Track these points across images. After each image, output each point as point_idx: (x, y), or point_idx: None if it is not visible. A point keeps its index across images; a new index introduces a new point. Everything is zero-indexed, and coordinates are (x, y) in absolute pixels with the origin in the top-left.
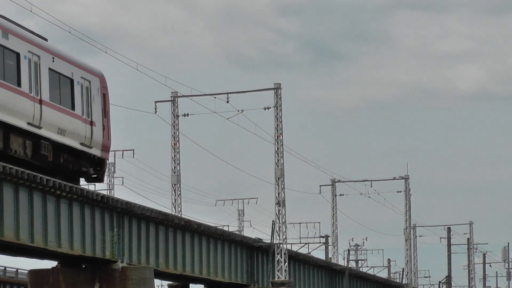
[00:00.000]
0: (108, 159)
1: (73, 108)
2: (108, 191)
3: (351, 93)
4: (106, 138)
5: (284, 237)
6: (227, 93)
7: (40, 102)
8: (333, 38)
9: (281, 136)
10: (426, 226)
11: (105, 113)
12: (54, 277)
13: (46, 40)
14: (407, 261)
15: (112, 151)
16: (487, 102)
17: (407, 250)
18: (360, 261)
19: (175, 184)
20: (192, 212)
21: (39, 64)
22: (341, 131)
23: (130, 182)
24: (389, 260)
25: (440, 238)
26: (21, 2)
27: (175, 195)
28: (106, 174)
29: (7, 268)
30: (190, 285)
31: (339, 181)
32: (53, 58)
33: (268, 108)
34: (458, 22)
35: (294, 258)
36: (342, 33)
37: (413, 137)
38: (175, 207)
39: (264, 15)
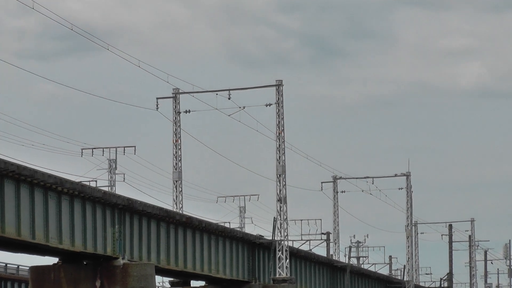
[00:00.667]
0: None
1: None
2: (110, 188)
3: (352, 90)
4: None
5: (285, 234)
6: (229, 90)
7: None
8: (334, 35)
9: (282, 133)
10: (427, 223)
11: None
12: (55, 273)
13: None
14: (409, 258)
15: (114, 147)
16: (488, 99)
17: (408, 247)
18: (361, 258)
19: (176, 181)
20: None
21: None
22: (342, 128)
23: (131, 178)
24: (390, 257)
25: (442, 235)
26: None
27: (176, 192)
28: (107, 170)
29: (8, 265)
30: (191, 282)
31: (340, 178)
32: None
33: (270, 104)
34: (460, 20)
35: (296, 255)
36: (343, 30)
37: (414, 134)
38: (176, 204)
39: (265, 12)
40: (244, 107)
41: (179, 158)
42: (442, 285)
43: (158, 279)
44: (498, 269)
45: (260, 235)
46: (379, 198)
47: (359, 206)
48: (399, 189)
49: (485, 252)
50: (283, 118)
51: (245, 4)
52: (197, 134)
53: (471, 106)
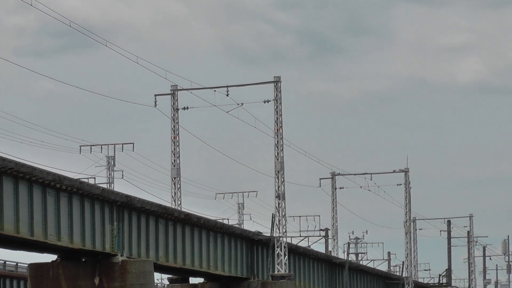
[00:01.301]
0: None
1: None
2: (108, 185)
3: (350, 86)
4: None
5: (284, 230)
6: (227, 87)
7: None
8: (332, 31)
9: (281, 129)
10: (426, 219)
11: None
12: (54, 270)
13: None
14: (407, 254)
15: (112, 144)
16: (486, 95)
17: (407, 243)
18: (360, 254)
19: (175, 178)
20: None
21: None
22: (341, 124)
23: (129, 175)
24: (389, 253)
25: (440, 231)
26: None
27: (175, 189)
28: (106, 167)
29: (7, 262)
30: (190, 278)
31: (339, 174)
32: None
33: (268, 101)
34: (457, 16)
35: (294, 251)
36: (341, 27)
37: (412, 130)
38: (175, 201)
39: (263, 8)
40: (242, 104)
41: (178, 155)
42: (441, 281)
43: (157, 276)
44: (496, 265)
45: (259, 232)
46: (377, 194)
47: (358, 202)
48: (397, 185)
49: (484, 248)
50: (281, 114)
51: (243, 1)
52: (195, 130)
53: (470, 102)
